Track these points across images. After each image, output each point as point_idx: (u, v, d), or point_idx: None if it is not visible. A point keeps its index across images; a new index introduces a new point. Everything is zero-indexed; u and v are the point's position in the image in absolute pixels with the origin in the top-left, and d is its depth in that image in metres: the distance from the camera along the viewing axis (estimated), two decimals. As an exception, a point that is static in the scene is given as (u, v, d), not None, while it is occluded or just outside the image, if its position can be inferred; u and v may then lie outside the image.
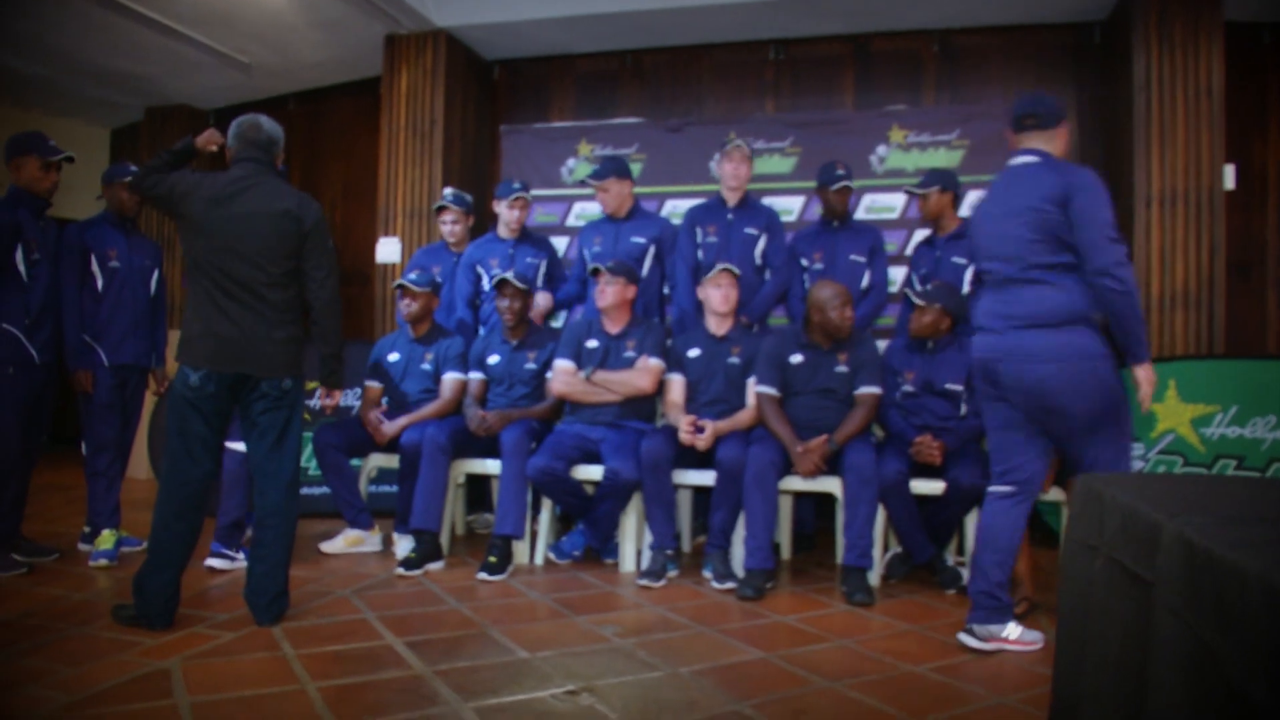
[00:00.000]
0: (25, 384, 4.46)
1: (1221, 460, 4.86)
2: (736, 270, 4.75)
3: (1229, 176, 5.60)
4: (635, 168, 6.44)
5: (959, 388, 4.47)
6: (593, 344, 4.88)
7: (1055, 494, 4.21)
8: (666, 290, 5.38)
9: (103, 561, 4.65)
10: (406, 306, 5.10)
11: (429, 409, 4.98)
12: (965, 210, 5.80)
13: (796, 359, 4.57)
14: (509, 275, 4.95)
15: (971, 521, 4.37)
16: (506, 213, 5.48)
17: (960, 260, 4.91)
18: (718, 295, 4.73)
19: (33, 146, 4.51)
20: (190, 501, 3.61)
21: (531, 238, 5.63)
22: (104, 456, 4.93)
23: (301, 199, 3.67)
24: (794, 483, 4.46)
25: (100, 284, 4.90)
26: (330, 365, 3.84)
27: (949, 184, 4.97)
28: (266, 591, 3.62)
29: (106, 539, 4.77)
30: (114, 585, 4.17)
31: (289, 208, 3.59)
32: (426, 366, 5.11)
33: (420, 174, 6.81)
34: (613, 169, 5.24)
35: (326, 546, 4.95)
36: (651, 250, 5.24)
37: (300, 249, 3.64)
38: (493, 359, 5.04)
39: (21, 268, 4.46)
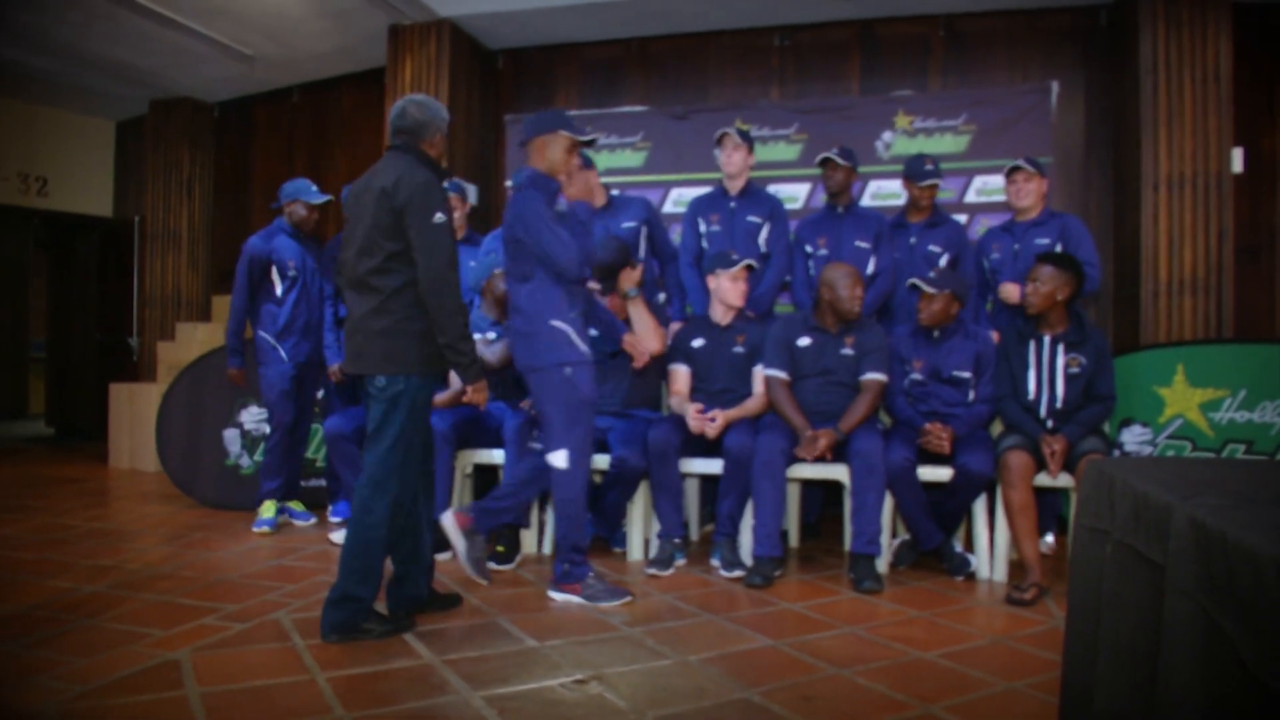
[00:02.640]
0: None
1: (1231, 445, 4.84)
2: (756, 265, 4.74)
3: (1237, 160, 5.57)
4: (640, 156, 6.44)
5: (967, 374, 4.46)
6: (596, 333, 4.86)
7: (1064, 479, 4.20)
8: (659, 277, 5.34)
9: (265, 529, 5.25)
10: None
11: (441, 398, 4.97)
12: (973, 195, 5.83)
13: (804, 342, 4.56)
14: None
15: (980, 508, 4.37)
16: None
17: (936, 249, 4.92)
18: (736, 290, 4.69)
19: (565, 124, 3.93)
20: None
21: None
22: (274, 437, 5.40)
23: (403, 174, 3.36)
24: (802, 470, 4.45)
25: (280, 290, 5.35)
26: (450, 358, 3.45)
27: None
28: (327, 598, 3.42)
29: (267, 509, 5.34)
30: (124, 577, 4.18)
31: (384, 185, 3.34)
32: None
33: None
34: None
35: (337, 537, 4.95)
36: (643, 232, 5.20)
37: (401, 228, 3.35)
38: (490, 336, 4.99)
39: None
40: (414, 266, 3.37)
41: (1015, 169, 4.85)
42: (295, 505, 5.52)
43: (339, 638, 3.33)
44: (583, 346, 3.87)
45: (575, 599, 3.88)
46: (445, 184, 3.66)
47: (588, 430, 3.90)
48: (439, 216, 3.37)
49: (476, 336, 4.80)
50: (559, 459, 3.85)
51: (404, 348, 3.38)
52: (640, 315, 4.62)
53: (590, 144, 4.01)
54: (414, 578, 3.62)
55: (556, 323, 3.83)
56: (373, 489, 3.37)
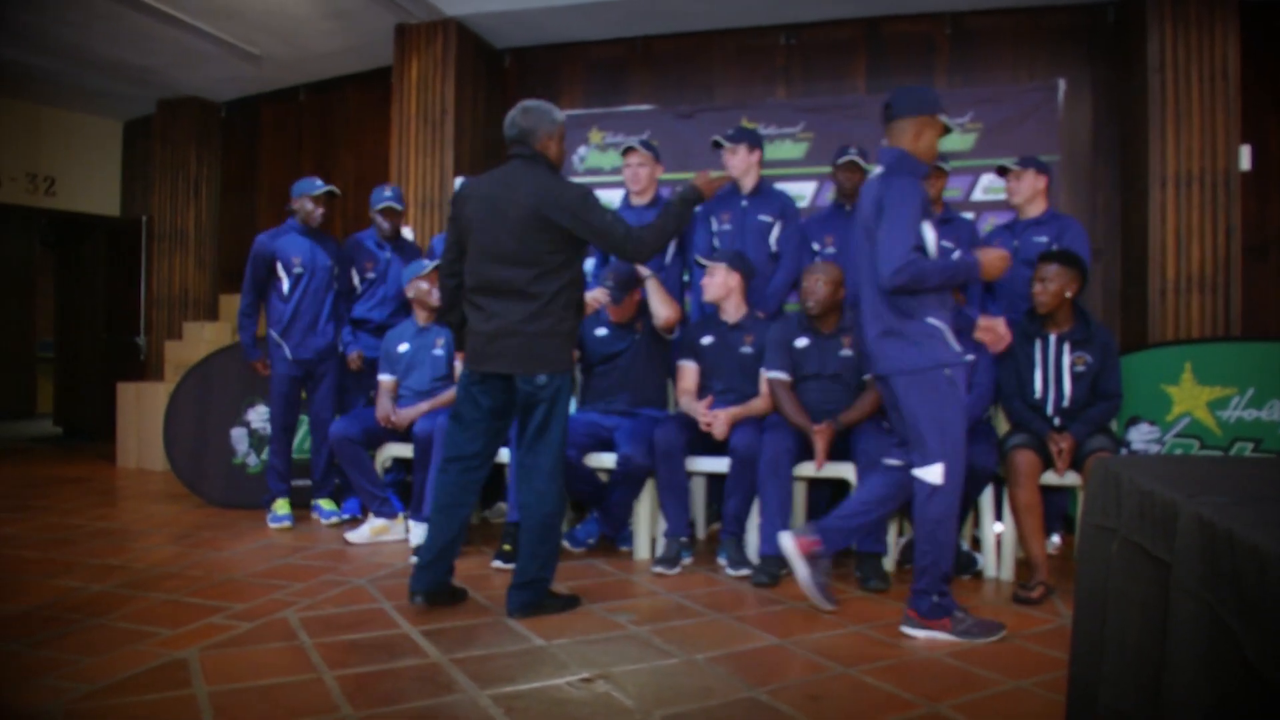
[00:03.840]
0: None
1: (1239, 443, 4.83)
2: (719, 262, 4.70)
3: (1245, 158, 5.56)
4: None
5: (971, 357, 4.43)
6: (602, 332, 4.87)
7: (1071, 478, 4.19)
8: (686, 278, 5.34)
9: (285, 524, 5.33)
10: (429, 293, 5.05)
11: (444, 396, 4.97)
12: (979, 194, 5.82)
13: (802, 343, 4.54)
14: None
15: (987, 506, 4.36)
16: None
17: (949, 245, 4.87)
18: (710, 285, 4.69)
19: (941, 108, 3.58)
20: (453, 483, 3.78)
21: None
22: (277, 440, 5.50)
23: (552, 188, 3.58)
24: (808, 469, 4.44)
25: (285, 287, 5.40)
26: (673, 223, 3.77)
27: (946, 164, 5.03)
28: (513, 579, 3.71)
29: (281, 505, 5.42)
30: (131, 576, 4.19)
31: (537, 204, 3.53)
32: (439, 353, 5.10)
33: (431, 163, 6.81)
34: (652, 148, 5.17)
35: (352, 536, 4.96)
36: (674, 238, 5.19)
37: (567, 239, 3.59)
38: None
39: None
40: (567, 273, 3.63)
41: (1004, 169, 4.85)
42: (325, 504, 5.54)
43: (524, 614, 3.63)
44: (957, 346, 3.47)
45: (943, 635, 3.39)
46: None
47: (963, 440, 3.45)
48: (600, 210, 3.61)
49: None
50: (933, 474, 3.38)
51: (560, 348, 3.63)
52: (655, 289, 4.70)
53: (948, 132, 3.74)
54: (438, 568, 3.75)
55: (933, 320, 3.42)
56: (549, 480, 3.65)
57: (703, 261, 4.73)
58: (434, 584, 3.73)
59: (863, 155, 5.04)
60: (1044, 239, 4.71)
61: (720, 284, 4.68)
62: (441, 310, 3.97)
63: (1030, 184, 4.80)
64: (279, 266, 5.38)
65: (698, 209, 5.23)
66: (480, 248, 3.63)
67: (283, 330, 5.37)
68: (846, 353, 4.51)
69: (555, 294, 3.60)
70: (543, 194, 3.55)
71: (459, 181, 4.94)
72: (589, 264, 5.33)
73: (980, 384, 4.43)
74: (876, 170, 3.61)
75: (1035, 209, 4.83)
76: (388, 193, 5.58)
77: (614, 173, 5.30)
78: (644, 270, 4.71)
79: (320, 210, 5.47)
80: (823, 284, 4.45)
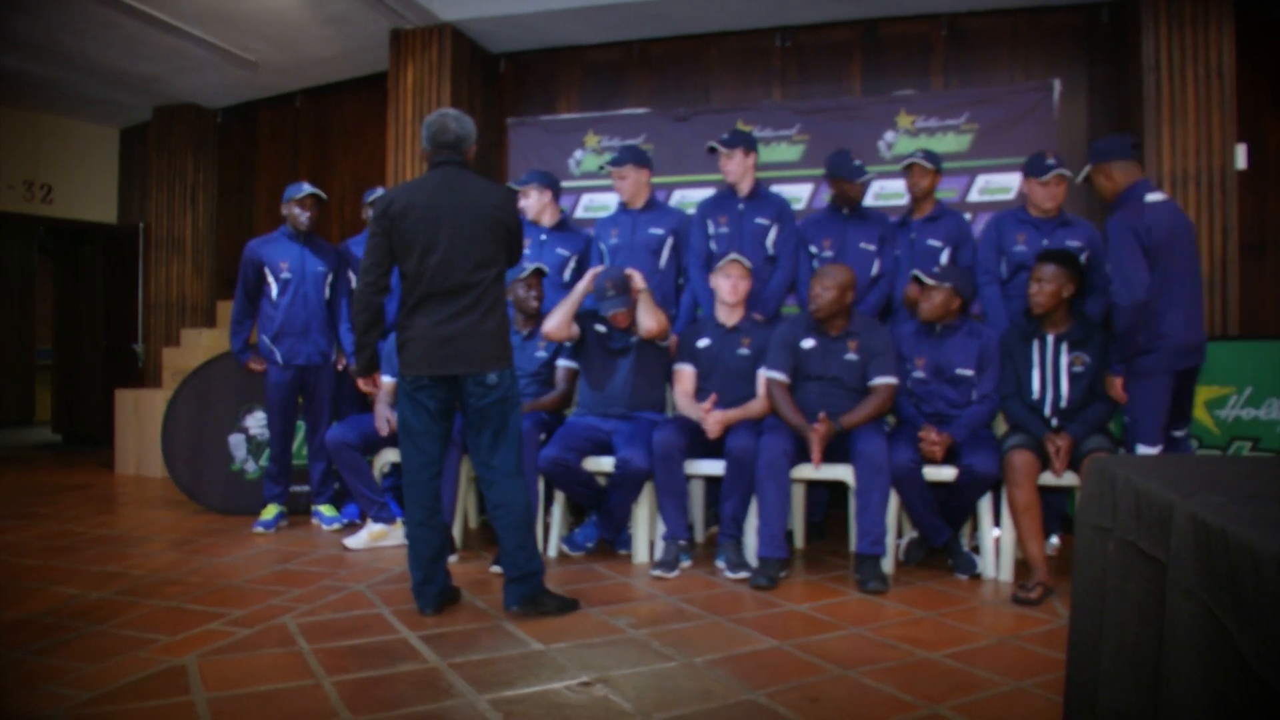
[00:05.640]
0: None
1: (1237, 442, 4.84)
2: (748, 263, 4.73)
3: (1241, 157, 5.55)
4: (643, 158, 6.45)
5: (970, 372, 4.45)
6: (601, 329, 4.88)
7: (1069, 478, 4.19)
8: (681, 281, 5.35)
9: (259, 529, 5.34)
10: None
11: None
12: (975, 195, 5.82)
13: (808, 344, 4.55)
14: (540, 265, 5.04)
15: (985, 507, 4.36)
16: (521, 202, 5.44)
17: (936, 244, 4.87)
18: (726, 285, 4.70)
19: None
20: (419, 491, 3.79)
21: (567, 228, 5.57)
22: (274, 446, 5.53)
23: (503, 194, 3.83)
24: (806, 471, 4.44)
25: (274, 293, 5.43)
26: None
27: (940, 165, 4.99)
28: (507, 576, 3.76)
29: (269, 511, 5.46)
30: (131, 583, 4.18)
31: (496, 204, 3.73)
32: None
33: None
34: (631, 157, 5.21)
35: (350, 542, 4.95)
36: (669, 242, 5.21)
37: (508, 240, 3.78)
38: None
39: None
40: (501, 271, 3.79)
41: (1054, 171, 4.61)
42: (326, 510, 5.55)
43: (522, 609, 3.71)
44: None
45: None
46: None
47: None
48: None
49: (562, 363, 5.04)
50: None
51: (504, 343, 3.76)
52: (645, 301, 4.69)
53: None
54: (438, 576, 3.78)
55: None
56: (518, 475, 3.76)
57: (735, 257, 4.71)
58: (439, 595, 3.76)
59: (832, 163, 5.05)
60: (1077, 243, 4.59)
61: (744, 288, 4.71)
62: (363, 329, 3.79)
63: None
64: (267, 272, 5.41)
65: (694, 212, 5.29)
66: (427, 254, 3.64)
67: (274, 336, 5.39)
68: (851, 356, 4.51)
69: (500, 293, 3.76)
70: (495, 198, 3.75)
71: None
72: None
73: (983, 392, 4.43)
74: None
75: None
76: (379, 189, 5.60)
77: (608, 177, 5.32)
78: (640, 282, 4.71)
79: (306, 214, 5.47)
80: (830, 289, 4.45)
